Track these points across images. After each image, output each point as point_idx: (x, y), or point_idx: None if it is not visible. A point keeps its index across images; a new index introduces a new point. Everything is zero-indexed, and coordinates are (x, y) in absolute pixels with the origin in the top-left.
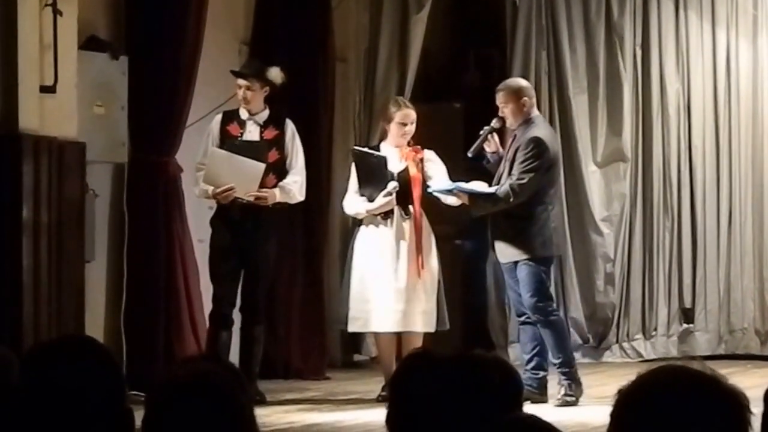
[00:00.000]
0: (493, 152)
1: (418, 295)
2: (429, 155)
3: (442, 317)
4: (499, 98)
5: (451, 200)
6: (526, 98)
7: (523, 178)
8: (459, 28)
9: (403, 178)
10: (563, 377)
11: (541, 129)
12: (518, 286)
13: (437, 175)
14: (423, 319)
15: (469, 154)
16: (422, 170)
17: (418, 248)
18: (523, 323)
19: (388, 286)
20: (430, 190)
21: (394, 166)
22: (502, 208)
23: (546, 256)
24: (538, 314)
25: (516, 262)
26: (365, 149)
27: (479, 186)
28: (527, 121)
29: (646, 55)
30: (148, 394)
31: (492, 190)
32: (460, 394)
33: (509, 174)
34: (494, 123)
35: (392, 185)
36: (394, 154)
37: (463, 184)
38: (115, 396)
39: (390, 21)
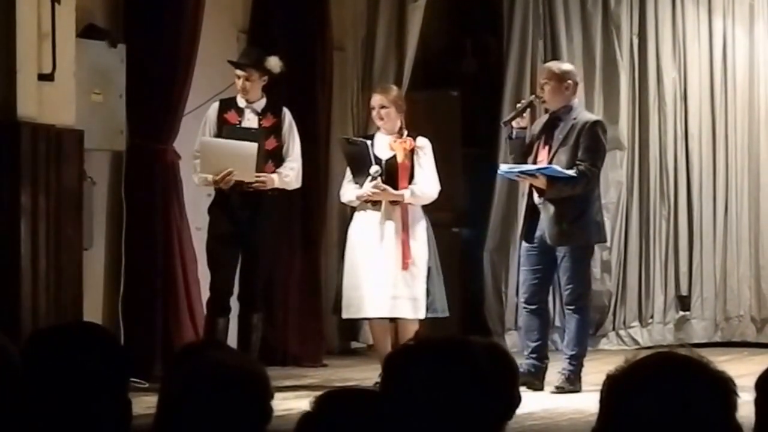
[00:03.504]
0: (522, 128)
1: (405, 282)
2: (421, 142)
3: (434, 304)
4: (542, 75)
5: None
6: (570, 81)
7: (597, 164)
8: (456, 16)
9: (391, 165)
10: (569, 369)
11: (592, 114)
12: (547, 273)
13: (416, 166)
14: (410, 306)
15: (503, 123)
16: (412, 159)
17: (406, 237)
18: (532, 312)
19: (377, 272)
20: (500, 171)
21: (383, 153)
22: (577, 192)
23: (597, 242)
24: (579, 302)
25: (576, 247)
26: (349, 137)
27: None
28: (570, 107)
29: (642, 43)
30: (176, 380)
31: (571, 173)
32: (449, 382)
33: (574, 156)
34: (533, 98)
35: (373, 169)
36: (385, 141)
37: (548, 166)
38: (118, 385)
39: (387, 9)
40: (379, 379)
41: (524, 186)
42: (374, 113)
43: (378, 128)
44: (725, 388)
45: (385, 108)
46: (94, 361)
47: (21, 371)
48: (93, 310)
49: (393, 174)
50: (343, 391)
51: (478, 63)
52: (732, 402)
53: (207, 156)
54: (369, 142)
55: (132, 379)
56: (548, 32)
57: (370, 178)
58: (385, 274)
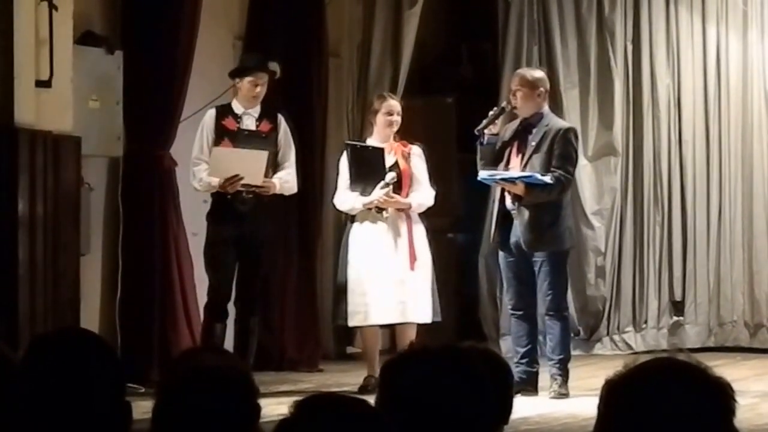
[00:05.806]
0: (493, 134)
1: (415, 287)
2: (415, 150)
3: (436, 308)
4: (515, 82)
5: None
6: (541, 89)
7: (570, 170)
8: (452, 22)
9: (395, 171)
10: (558, 373)
11: (564, 121)
12: (529, 279)
13: (415, 174)
14: (421, 310)
15: (476, 131)
16: (410, 164)
17: (411, 240)
18: (520, 317)
19: (385, 278)
20: (480, 177)
21: (384, 160)
22: (552, 198)
23: (570, 247)
24: (561, 307)
25: (552, 254)
26: (358, 143)
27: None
28: (541, 113)
29: (636, 50)
30: (166, 380)
31: (548, 179)
32: (448, 388)
33: (547, 163)
34: (504, 104)
35: (390, 176)
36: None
37: (521, 172)
38: (115, 389)
39: (383, 15)
40: (364, 383)
41: (496, 192)
42: (388, 118)
43: (368, 136)
44: (724, 393)
45: (400, 115)
46: (87, 368)
47: (20, 377)
48: (90, 316)
49: (398, 179)
50: (321, 397)
51: (474, 69)
52: (730, 407)
53: (217, 164)
54: (382, 147)
55: (129, 384)
56: (543, 38)
57: (383, 184)
58: (395, 278)
